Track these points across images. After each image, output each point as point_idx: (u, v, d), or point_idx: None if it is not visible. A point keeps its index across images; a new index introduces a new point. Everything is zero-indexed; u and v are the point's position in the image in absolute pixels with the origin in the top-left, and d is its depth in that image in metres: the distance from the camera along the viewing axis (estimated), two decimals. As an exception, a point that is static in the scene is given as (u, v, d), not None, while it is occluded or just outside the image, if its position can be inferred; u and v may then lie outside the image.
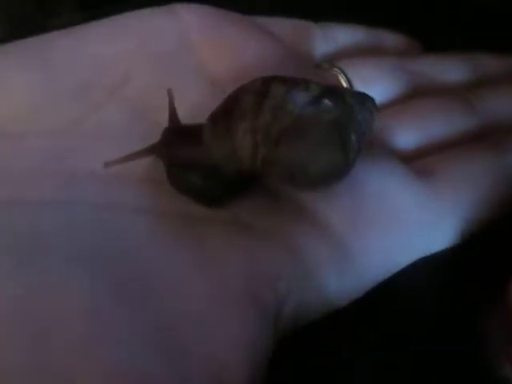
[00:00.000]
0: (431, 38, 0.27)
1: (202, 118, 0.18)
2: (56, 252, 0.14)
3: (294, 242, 0.17)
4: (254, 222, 0.17)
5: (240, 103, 0.16)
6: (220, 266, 0.16)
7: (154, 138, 0.18)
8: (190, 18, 0.22)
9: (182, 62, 0.21)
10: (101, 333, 0.13)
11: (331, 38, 0.25)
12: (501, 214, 0.20)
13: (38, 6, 0.38)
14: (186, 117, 0.18)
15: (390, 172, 0.19)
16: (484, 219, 0.20)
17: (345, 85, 0.23)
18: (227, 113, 0.16)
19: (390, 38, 0.27)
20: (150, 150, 0.17)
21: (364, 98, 0.18)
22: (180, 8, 0.22)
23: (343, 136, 0.16)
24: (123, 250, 0.15)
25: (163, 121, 0.18)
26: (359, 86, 0.23)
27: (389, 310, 0.18)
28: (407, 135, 0.21)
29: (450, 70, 0.25)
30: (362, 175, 0.18)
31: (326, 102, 0.15)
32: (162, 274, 0.15)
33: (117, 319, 0.13)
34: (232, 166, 0.16)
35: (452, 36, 0.28)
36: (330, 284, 0.17)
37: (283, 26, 0.24)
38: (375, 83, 0.23)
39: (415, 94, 0.23)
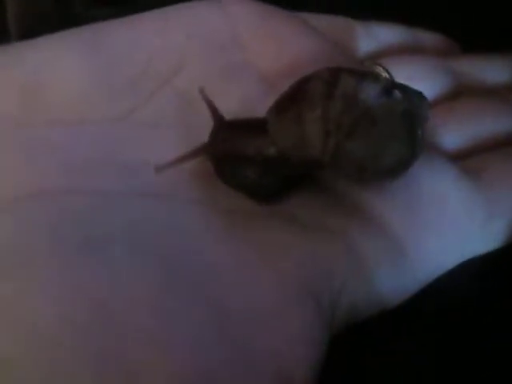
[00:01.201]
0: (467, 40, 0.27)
1: (250, 113, 0.18)
2: (118, 242, 0.14)
3: (349, 240, 0.17)
4: (307, 218, 0.17)
5: (309, 91, 0.15)
6: (277, 262, 0.15)
7: (206, 129, 0.17)
8: (238, 11, 0.21)
9: (231, 56, 0.20)
10: (166, 328, 0.13)
11: (373, 35, 0.25)
12: None
13: (52, 4, 0.38)
14: (234, 111, 0.18)
15: (443, 171, 0.19)
16: None
17: None
18: (295, 100, 0.15)
19: (429, 38, 0.27)
20: (200, 151, 0.17)
21: (421, 95, 0.17)
22: (229, 1, 0.22)
23: (412, 128, 0.16)
24: (179, 242, 0.15)
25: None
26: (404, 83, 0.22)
27: (439, 310, 0.18)
28: (454, 135, 0.21)
29: (492, 70, 0.25)
30: (417, 174, 0.18)
31: (397, 93, 0.15)
32: (221, 267, 0.15)
33: (180, 313, 0.13)
34: (300, 154, 0.16)
35: (488, 38, 0.28)
36: (383, 283, 0.17)
37: (328, 23, 0.24)
38: (418, 82, 0.22)
39: (458, 94, 0.23)
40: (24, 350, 0.12)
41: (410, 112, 0.15)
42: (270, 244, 0.16)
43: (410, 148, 0.16)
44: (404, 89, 0.16)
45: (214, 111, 0.17)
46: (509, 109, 0.23)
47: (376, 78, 0.15)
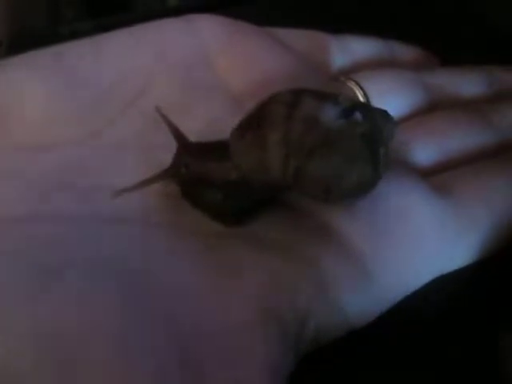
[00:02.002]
0: (447, 53, 0.28)
1: (217, 133, 0.18)
2: (78, 268, 0.14)
3: (313, 259, 0.17)
4: (272, 238, 0.17)
5: (270, 113, 0.15)
6: (240, 284, 0.15)
7: (171, 150, 0.17)
8: (208, 29, 0.22)
9: (199, 75, 0.21)
10: (124, 356, 0.13)
11: (348, 49, 0.25)
12: None
13: (47, 14, 0.38)
14: (200, 132, 0.18)
15: (410, 188, 0.19)
16: (502, 237, 0.20)
17: (361, 98, 0.23)
18: (256, 123, 0.16)
19: (406, 51, 0.27)
20: (162, 175, 0.17)
21: (386, 114, 0.18)
22: (197, 19, 0.22)
23: (373, 149, 0.16)
24: (143, 265, 0.15)
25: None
26: (376, 99, 0.23)
27: (407, 329, 0.18)
28: (425, 150, 0.21)
29: (466, 83, 0.25)
30: (384, 191, 0.18)
31: (357, 114, 0.15)
32: (183, 291, 0.15)
33: (139, 340, 0.13)
34: (260, 177, 0.16)
35: (468, 52, 0.28)
36: (349, 304, 0.17)
37: (300, 38, 0.24)
38: (392, 96, 0.23)
39: (432, 108, 0.23)
40: None
41: (371, 133, 0.16)
42: (234, 266, 0.16)
43: (372, 168, 0.16)
44: (367, 109, 0.16)
45: (177, 133, 0.17)
46: (482, 122, 0.23)
47: (336, 99, 0.16)
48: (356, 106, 0.16)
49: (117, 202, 0.16)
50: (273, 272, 0.16)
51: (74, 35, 0.35)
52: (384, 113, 0.17)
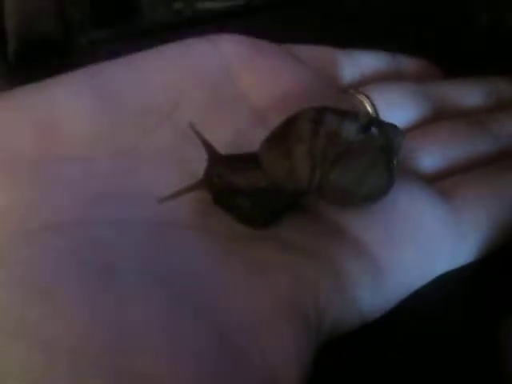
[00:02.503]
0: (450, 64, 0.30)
1: (243, 144, 0.20)
2: (130, 267, 0.16)
3: (331, 259, 0.19)
4: (295, 240, 0.19)
5: (297, 128, 0.17)
6: (267, 281, 0.17)
7: (203, 161, 0.19)
8: (229, 48, 0.24)
9: (224, 91, 0.22)
10: (174, 343, 0.14)
11: (356, 64, 0.27)
12: None
13: (55, 26, 0.40)
14: (229, 143, 0.20)
15: (417, 193, 0.21)
16: (501, 237, 0.22)
17: (370, 110, 0.24)
18: (284, 137, 0.18)
19: (411, 64, 0.29)
20: (197, 186, 0.19)
21: (395, 128, 0.20)
22: (221, 39, 0.24)
23: (388, 160, 0.18)
24: (184, 264, 0.17)
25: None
26: (384, 111, 0.25)
27: (414, 322, 0.20)
28: (430, 158, 0.23)
29: (468, 94, 0.27)
30: (394, 196, 0.20)
31: (374, 130, 0.17)
32: (216, 288, 0.16)
33: (185, 329, 0.15)
34: (290, 186, 0.18)
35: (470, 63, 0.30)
36: (363, 297, 0.19)
37: (313, 54, 0.26)
38: (399, 108, 0.25)
39: (436, 118, 0.25)
40: (46, 369, 0.13)
41: (386, 145, 0.18)
42: (263, 265, 0.17)
43: (386, 177, 0.18)
44: (380, 124, 0.18)
45: (208, 147, 0.19)
46: (482, 131, 0.25)
47: (356, 116, 0.18)
48: (372, 122, 0.18)
49: (157, 208, 0.18)
50: (296, 272, 0.18)
51: (93, 45, 0.37)
52: (394, 127, 0.19)
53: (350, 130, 0.17)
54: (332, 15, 0.37)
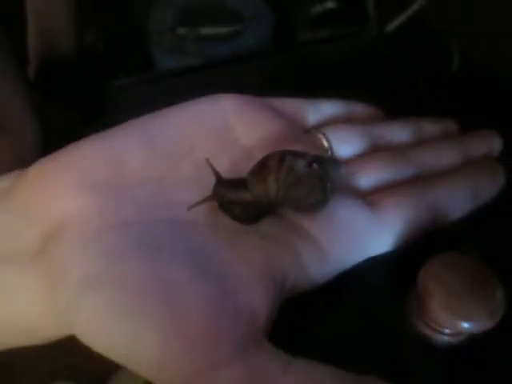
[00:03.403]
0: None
1: (238, 172, 0.27)
2: (166, 249, 0.23)
3: (292, 244, 0.25)
4: (268, 233, 0.26)
5: (268, 165, 0.25)
6: (251, 257, 0.24)
7: (211, 182, 0.26)
8: (227, 105, 0.29)
9: (224, 137, 0.29)
10: (197, 287, 0.22)
11: (318, 110, 0.33)
12: (423, 231, 0.29)
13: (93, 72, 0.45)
14: (228, 171, 0.27)
15: (350, 203, 0.28)
16: (409, 233, 0.28)
17: (326, 145, 0.31)
18: (261, 170, 0.25)
19: (361, 109, 0.35)
20: (208, 199, 0.25)
21: (334, 161, 0.28)
22: (221, 97, 0.30)
23: (323, 184, 0.26)
24: (202, 246, 0.24)
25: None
26: (336, 145, 0.31)
27: (347, 289, 0.28)
28: (364, 179, 0.30)
29: (399, 132, 0.33)
30: (334, 206, 0.27)
31: (315, 165, 0.25)
32: (220, 260, 0.23)
33: (203, 291, 0.22)
34: (264, 200, 0.26)
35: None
36: (312, 270, 0.25)
37: (285, 104, 0.32)
38: (347, 143, 0.31)
39: (374, 150, 0.31)
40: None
41: (322, 175, 0.25)
42: (247, 247, 0.24)
43: (323, 195, 0.26)
44: (321, 160, 0.26)
45: (216, 173, 0.26)
46: (406, 160, 0.31)
47: (304, 156, 0.25)
48: (315, 159, 0.25)
49: (184, 212, 0.25)
50: (268, 251, 0.25)
51: (120, 89, 0.42)
52: (334, 161, 0.28)
53: (299, 166, 0.25)
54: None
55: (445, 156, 0.32)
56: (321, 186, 0.26)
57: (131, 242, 0.23)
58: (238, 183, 0.26)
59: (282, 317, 0.24)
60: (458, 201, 0.30)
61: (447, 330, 0.25)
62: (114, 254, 0.22)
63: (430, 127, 0.34)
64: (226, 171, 0.27)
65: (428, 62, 0.43)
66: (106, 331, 0.20)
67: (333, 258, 0.26)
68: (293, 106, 0.33)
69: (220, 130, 0.29)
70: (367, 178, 0.30)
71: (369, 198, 0.29)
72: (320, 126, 0.32)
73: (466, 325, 0.24)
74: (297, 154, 0.26)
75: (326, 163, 0.27)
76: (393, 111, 0.36)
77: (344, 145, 0.32)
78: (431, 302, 0.24)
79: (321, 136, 0.31)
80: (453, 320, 0.24)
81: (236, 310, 0.22)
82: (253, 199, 0.25)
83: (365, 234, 0.28)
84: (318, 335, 0.26)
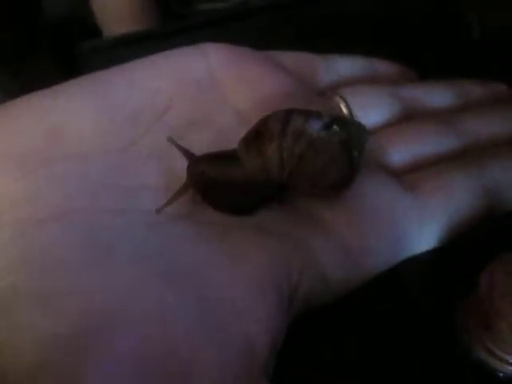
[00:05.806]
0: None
1: (228, 141, 0.22)
2: (119, 251, 0.18)
3: (303, 242, 0.21)
4: (273, 228, 0.21)
5: (268, 129, 0.20)
6: (248, 262, 0.20)
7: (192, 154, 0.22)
8: (215, 56, 0.26)
9: (210, 94, 0.25)
10: (163, 313, 0.17)
11: (333, 68, 0.29)
12: (477, 222, 0.24)
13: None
14: (213, 142, 0.23)
15: (382, 185, 0.24)
16: (458, 226, 0.24)
17: (345, 111, 0.27)
18: (258, 136, 0.20)
19: (386, 67, 0.31)
20: (184, 189, 0.21)
21: (360, 125, 0.22)
22: (207, 47, 0.26)
23: (349, 153, 0.20)
24: (171, 249, 0.19)
25: (197, 141, 0.22)
26: (358, 111, 0.27)
27: (380, 299, 0.22)
28: (398, 154, 0.26)
29: (438, 96, 0.29)
30: (360, 189, 0.23)
31: (335, 127, 0.20)
32: (207, 266, 0.19)
33: (173, 304, 0.17)
34: (263, 178, 0.21)
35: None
36: (332, 278, 0.21)
37: (293, 60, 0.28)
38: (372, 109, 0.27)
39: (406, 117, 0.28)
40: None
41: (346, 141, 0.20)
42: (241, 248, 0.20)
43: (347, 167, 0.20)
44: (342, 122, 0.21)
45: (186, 153, 0.21)
46: (448, 130, 0.27)
47: (319, 115, 0.20)
48: (334, 119, 0.20)
49: (151, 198, 0.21)
50: (272, 253, 0.20)
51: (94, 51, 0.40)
52: (359, 124, 0.21)
53: (313, 128, 0.20)
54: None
55: (497, 125, 0.28)
56: (344, 155, 0.20)
57: (71, 243, 0.18)
58: (224, 156, 0.21)
59: (292, 342, 0.20)
60: None
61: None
62: (44, 265, 0.18)
63: (476, 90, 0.30)
64: (211, 141, 0.23)
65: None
66: None
67: (359, 259, 0.22)
68: (301, 60, 0.29)
69: (204, 88, 0.25)
70: (401, 152, 0.26)
71: (404, 178, 0.25)
72: (336, 87, 0.28)
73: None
74: (309, 114, 0.20)
75: (350, 125, 0.20)
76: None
77: (369, 110, 0.27)
78: (501, 323, 0.20)
79: (338, 99, 0.27)
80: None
81: (223, 339, 0.18)
82: (246, 177, 0.20)
83: (402, 227, 0.23)
84: (335, 364, 0.21)
